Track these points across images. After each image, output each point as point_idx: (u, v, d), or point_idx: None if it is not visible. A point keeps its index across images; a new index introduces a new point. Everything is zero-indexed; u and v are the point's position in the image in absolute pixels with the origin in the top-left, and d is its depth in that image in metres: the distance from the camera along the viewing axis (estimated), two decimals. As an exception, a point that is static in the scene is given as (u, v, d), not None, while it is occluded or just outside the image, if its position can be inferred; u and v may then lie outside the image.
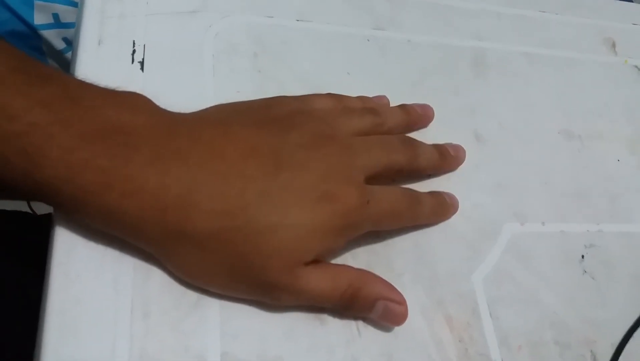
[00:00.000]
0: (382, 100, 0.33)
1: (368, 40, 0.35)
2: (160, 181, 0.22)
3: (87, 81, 0.24)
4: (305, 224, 0.24)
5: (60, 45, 0.76)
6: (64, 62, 0.78)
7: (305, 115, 0.27)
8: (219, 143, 0.24)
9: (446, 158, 0.32)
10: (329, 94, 0.30)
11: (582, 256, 0.32)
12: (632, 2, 0.48)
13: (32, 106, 0.21)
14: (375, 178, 0.27)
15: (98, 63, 0.29)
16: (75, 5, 0.73)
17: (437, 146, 0.31)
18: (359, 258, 0.28)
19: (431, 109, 0.33)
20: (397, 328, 0.27)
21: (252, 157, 0.24)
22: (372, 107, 0.31)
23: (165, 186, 0.22)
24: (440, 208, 0.30)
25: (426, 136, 0.32)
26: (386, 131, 0.30)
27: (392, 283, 0.26)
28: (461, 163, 0.32)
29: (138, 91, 0.29)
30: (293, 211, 0.23)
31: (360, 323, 0.26)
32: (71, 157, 0.21)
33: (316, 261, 0.25)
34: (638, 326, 0.30)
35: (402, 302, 0.26)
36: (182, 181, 0.23)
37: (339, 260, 0.27)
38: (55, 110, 0.22)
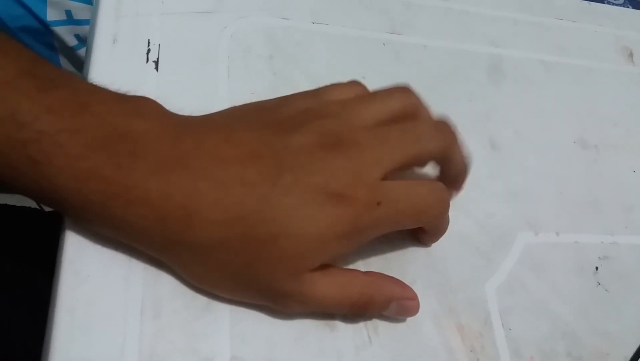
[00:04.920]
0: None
1: (384, 45, 0.35)
2: (162, 190, 0.22)
3: (97, 83, 0.24)
4: (307, 232, 0.23)
5: (72, 42, 0.77)
6: (76, 59, 0.79)
7: (314, 112, 0.25)
8: (221, 149, 0.23)
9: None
10: (353, 81, 0.28)
11: (596, 268, 0.32)
12: (650, 11, 0.47)
13: (40, 113, 0.21)
14: (407, 169, 0.25)
15: (112, 62, 0.29)
16: (88, 2, 0.73)
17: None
18: (371, 264, 0.27)
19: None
20: (408, 336, 0.26)
21: (253, 162, 0.23)
22: (403, 89, 0.27)
23: (168, 195, 0.22)
24: (447, 227, 0.28)
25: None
26: (421, 116, 0.26)
27: (404, 290, 0.26)
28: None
29: (152, 90, 0.29)
30: (295, 218, 0.22)
31: (371, 329, 0.26)
32: (77, 166, 0.21)
33: (325, 266, 0.24)
34: (652, 340, 0.30)
35: (414, 297, 0.26)
36: (183, 190, 0.22)
37: (350, 267, 0.27)
38: (63, 117, 0.21)
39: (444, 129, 0.27)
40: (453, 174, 0.28)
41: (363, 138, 0.24)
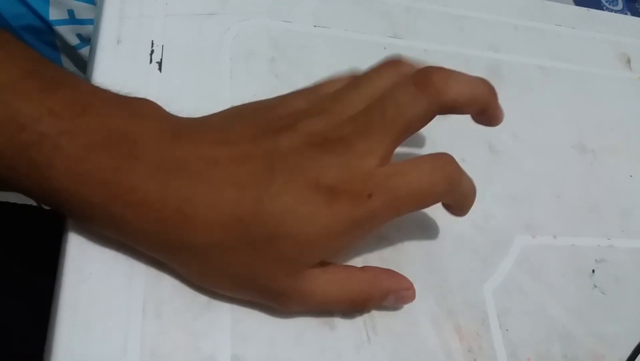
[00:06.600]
0: None
1: (385, 48, 0.36)
2: (160, 192, 0.22)
3: (101, 83, 0.24)
4: (304, 232, 0.23)
5: (74, 41, 0.77)
6: (78, 58, 0.79)
7: (306, 111, 0.25)
8: (215, 150, 0.23)
9: (493, 93, 0.26)
10: (351, 74, 0.27)
11: (593, 271, 0.32)
12: (648, 18, 0.48)
13: (42, 115, 0.21)
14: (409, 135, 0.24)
15: (116, 62, 0.29)
16: (90, 2, 0.73)
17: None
18: (369, 264, 0.28)
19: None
20: (407, 336, 0.27)
21: (246, 164, 0.23)
22: (391, 64, 0.26)
23: (165, 197, 0.22)
24: (472, 195, 0.27)
25: (437, 146, 0.32)
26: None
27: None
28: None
29: (155, 91, 0.29)
30: (290, 218, 0.23)
31: (370, 329, 0.26)
32: (77, 168, 0.21)
33: (324, 264, 0.24)
34: (647, 343, 0.30)
35: (409, 287, 0.26)
36: (180, 193, 0.22)
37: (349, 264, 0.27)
38: (64, 119, 0.21)
39: (426, 84, 0.24)
40: (468, 111, 0.26)
41: (348, 132, 0.24)
